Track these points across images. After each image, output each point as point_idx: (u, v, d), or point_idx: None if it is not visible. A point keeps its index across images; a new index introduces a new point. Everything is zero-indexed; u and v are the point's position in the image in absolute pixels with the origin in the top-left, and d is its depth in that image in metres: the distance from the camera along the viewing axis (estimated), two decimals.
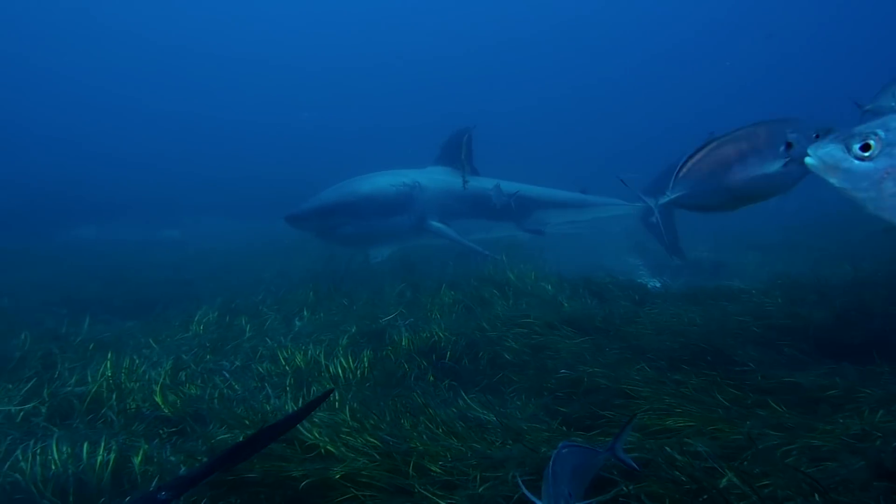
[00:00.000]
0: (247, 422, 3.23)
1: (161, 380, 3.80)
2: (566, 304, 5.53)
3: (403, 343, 4.37)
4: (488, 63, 42.35)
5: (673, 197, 2.56)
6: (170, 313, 5.84)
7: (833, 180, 1.81)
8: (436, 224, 6.82)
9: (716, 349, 4.10)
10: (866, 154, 1.73)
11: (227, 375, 3.89)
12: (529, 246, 8.47)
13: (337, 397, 3.44)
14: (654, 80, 40.76)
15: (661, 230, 7.82)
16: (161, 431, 3.36)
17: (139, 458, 3.03)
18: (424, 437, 3.06)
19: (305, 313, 5.54)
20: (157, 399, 3.56)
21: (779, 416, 3.07)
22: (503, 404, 3.70)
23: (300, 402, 3.56)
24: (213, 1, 42.15)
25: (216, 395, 3.65)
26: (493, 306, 5.49)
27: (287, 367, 4.04)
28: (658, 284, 7.58)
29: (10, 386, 3.83)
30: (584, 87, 40.75)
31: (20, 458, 3.01)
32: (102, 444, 3.06)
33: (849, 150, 1.76)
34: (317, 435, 2.93)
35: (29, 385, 3.80)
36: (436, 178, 7.39)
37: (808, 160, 1.85)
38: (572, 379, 3.83)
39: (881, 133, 1.72)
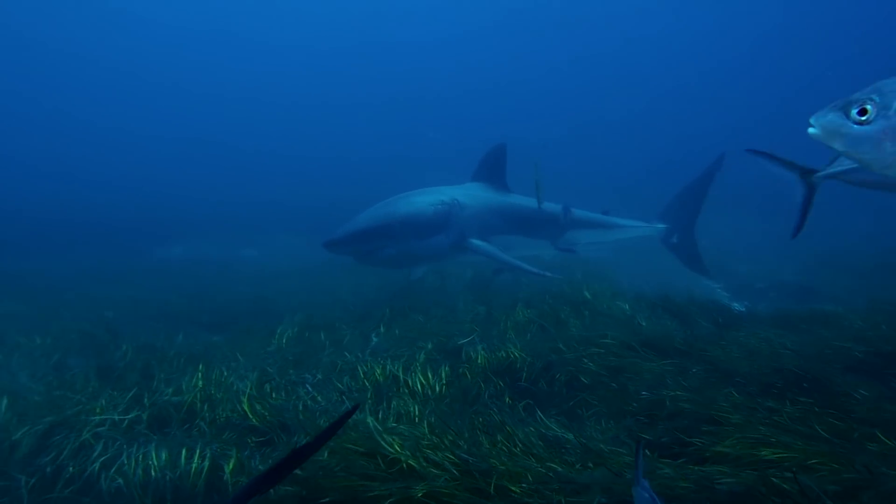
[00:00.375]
0: None
1: (248, 391, 3.98)
2: (644, 324, 5.36)
3: (479, 361, 4.37)
4: (521, 88, 44.04)
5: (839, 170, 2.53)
6: (253, 328, 6.12)
7: (837, 146, 1.95)
8: (476, 242, 6.55)
9: (813, 376, 3.84)
10: (864, 118, 1.86)
11: (309, 388, 4.03)
12: (576, 264, 8.43)
13: (416, 412, 3.48)
14: (669, 111, 41.44)
15: (682, 250, 8.07)
16: (249, 440, 3.51)
17: (230, 466, 3.19)
18: (503, 456, 3.04)
19: (381, 329, 5.66)
20: (245, 408, 3.74)
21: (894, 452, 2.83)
22: (581, 427, 3.62)
23: (379, 415, 3.63)
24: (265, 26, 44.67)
25: (300, 407, 3.78)
26: (568, 326, 5.40)
27: (366, 382, 4.13)
28: (741, 308, 7.20)
29: (116, 393, 4.13)
30: (608, 113, 41.26)
31: (125, 462, 3.23)
32: (198, 452, 3.25)
33: (847, 116, 1.89)
34: (398, 448, 2.97)
35: (131, 393, 4.08)
36: (474, 194, 7.19)
37: (810, 130, 1.97)
38: (654, 402, 3.70)
39: (876, 97, 1.85)
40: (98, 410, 3.78)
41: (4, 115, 38.44)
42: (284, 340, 5.39)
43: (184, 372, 4.63)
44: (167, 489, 3.11)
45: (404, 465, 2.84)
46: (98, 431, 3.54)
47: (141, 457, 3.26)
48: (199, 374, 4.33)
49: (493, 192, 7.44)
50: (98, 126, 41.02)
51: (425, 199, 6.55)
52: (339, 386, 4.19)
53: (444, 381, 4.03)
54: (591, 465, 2.94)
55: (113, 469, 3.22)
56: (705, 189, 7.82)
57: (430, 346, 4.82)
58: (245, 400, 3.84)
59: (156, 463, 3.22)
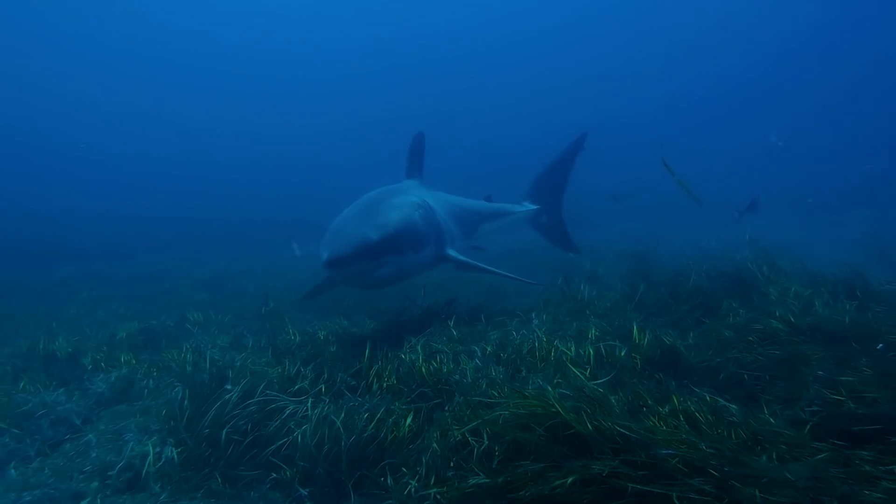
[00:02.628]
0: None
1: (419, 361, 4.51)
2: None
3: (644, 344, 4.50)
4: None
5: None
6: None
7: None
8: (453, 252, 5.88)
9: None
10: None
11: (478, 362, 4.42)
12: None
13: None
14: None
15: (551, 230, 8.15)
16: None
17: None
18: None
19: (545, 316, 5.93)
20: (423, 371, 4.26)
21: None
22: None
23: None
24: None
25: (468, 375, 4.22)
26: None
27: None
28: None
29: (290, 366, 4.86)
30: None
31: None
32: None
33: None
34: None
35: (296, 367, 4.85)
36: (433, 195, 6.55)
37: None
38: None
39: None
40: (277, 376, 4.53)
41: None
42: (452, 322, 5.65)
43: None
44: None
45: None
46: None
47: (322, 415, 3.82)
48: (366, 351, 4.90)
49: (439, 192, 6.95)
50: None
51: (406, 203, 5.60)
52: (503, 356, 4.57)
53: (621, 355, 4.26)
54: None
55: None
56: (569, 168, 7.94)
57: (594, 331, 4.97)
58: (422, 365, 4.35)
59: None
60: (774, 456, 2.78)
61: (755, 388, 3.97)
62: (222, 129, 47.45)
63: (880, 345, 3.95)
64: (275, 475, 3.58)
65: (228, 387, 4.11)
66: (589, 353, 4.29)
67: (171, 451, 3.82)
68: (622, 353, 4.28)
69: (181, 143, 45.39)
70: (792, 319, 4.76)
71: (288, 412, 3.83)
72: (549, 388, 3.33)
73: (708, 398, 3.48)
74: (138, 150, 43.61)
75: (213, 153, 44.29)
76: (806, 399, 3.44)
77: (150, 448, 3.87)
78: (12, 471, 4.10)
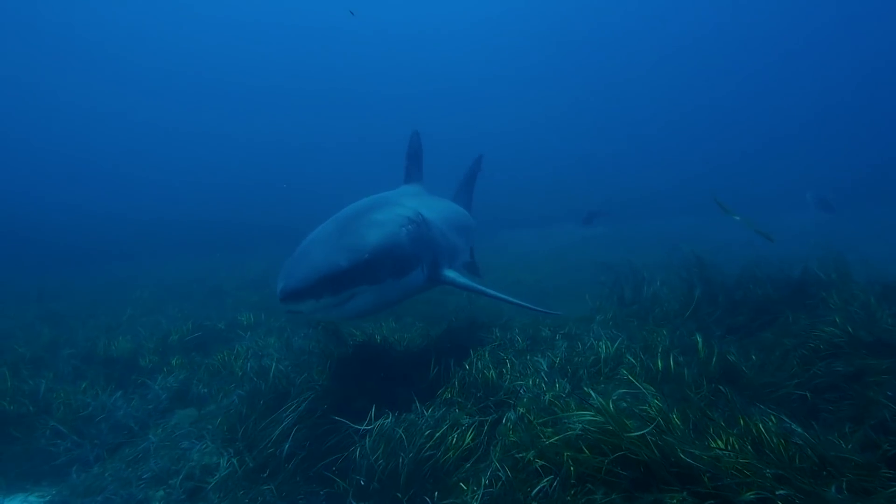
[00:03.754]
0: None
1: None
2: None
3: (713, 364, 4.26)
4: None
5: None
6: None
7: None
8: (451, 273, 4.87)
9: None
10: None
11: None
12: None
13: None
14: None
15: None
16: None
17: None
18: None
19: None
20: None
21: None
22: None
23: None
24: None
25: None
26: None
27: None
28: None
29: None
30: None
31: None
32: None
33: None
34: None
35: None
36: (429, 204, 5.53)
37: None
38: None
39: None
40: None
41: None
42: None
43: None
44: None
45: None
46: None
47: None
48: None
49: (441, 199, 6.24)
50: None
51: (392, 218, 4.58)
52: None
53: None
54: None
55: None
56: (472, 189, 8.22)
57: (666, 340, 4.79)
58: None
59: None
60: (844, 486, 2.60)
61: (819, 406, 3.79)
62: (257, 136, 49.28)
63: None
64: (328, 489, 3.55)
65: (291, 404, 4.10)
66: (658, 366, 4.09)
67: (232, 462, 3.84)
68: (688, 373, 4.06)
69: (224, 148, 47.13)
70: (850, 330, 4.50)
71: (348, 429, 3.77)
72: (619, 405, 3.16)
73: (773, 419, 3.28)
74: (172, 158, 45.96)
75: (247, 157, 45.84)
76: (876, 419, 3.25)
77: (213, 459, 3.89)
78: (74, 475, 4.20)
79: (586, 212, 11.66)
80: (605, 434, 2.83)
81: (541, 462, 2.86)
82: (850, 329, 4.49)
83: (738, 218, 4.49)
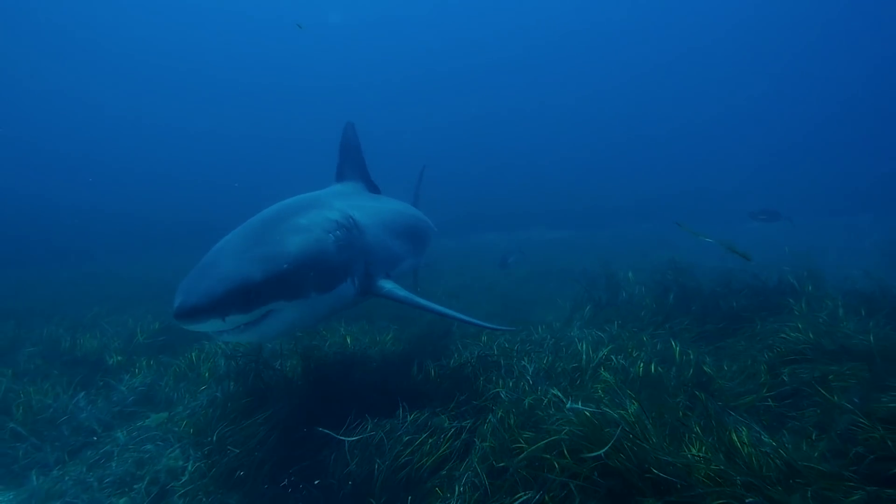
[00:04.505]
0: None
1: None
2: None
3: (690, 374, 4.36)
4: None
5: None
6: None
7: None
8: (387, 285, 4.26)
9: None
10: None
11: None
12: None
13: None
14: None
15: None
16: None
17: None
18: None
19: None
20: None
21: None
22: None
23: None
24: None
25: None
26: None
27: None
28: None
29: None
30: None
31: None
32: None
33: None
34: None
35: None
36: (363, 205, 4.88)
37: None
38: None
39: None
40: None
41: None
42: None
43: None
44: None
45: None
46: None
47: None
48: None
49: (381, 199, 5.62)
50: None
51: (317, 222, 3.95)
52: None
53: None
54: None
55: None
56: (418, 196, 8.95)
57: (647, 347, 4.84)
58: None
59: None
60: (809, 494, 2.65)
61: (784, 412, 3.87)
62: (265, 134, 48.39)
63: None
64: (300, 494, 3.48)
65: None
66: (639, 370, 4.12)
67: (199, 466, 3.73)
68: (666, 379, 4.11)
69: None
70: (811, 336, 4.68)
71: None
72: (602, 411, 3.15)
73: (745, 429, 3.34)
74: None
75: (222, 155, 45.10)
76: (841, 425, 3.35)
77: (179, 463, 3.78)
78: (34, 479, 4.05)
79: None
80: (585, 440, 2.84)
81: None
82: (812, 336, 4.70)
83: (709, 240, 4.46)
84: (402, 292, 4.17)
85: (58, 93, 46.49)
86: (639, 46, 46.88)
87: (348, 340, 5.47)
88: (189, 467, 3.80)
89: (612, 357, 4.35)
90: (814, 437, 3.49)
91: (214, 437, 3.89)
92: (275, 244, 3.49)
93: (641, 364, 4.13)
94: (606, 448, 2.74)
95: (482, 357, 4.49)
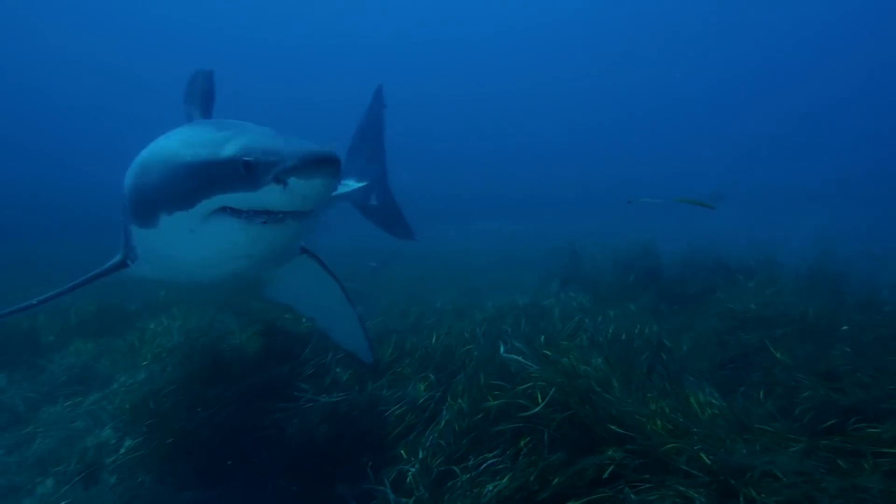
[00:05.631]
0: None
1: None
2: None
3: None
4: None
5: None
6: None
7: None
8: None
9: None
10: None
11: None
12: None
13: None
14: None
15: (383, 212, 6.29)
16: None
17: None
18: None
19: None
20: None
21: None
22: None
23: None
24: None
25: None
26: None
27: None
28: None
29: None
30: None
31: None
32: None
33: None
34: None
35: None
36: None
37: None
38: None
39: None
40: None
41: None
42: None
43: None
44: None
45: None
46: None
47: None
48: None
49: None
50: None
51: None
52: None
53: None
54: None
55: None
56: (382, 131, 6.29)
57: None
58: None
59: None
60: (758, 447, 2.73)
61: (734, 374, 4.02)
62: None
63: None
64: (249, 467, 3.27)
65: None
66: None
67: (137, 442, 3.45)
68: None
69: None
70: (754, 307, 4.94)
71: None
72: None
73: (702, 391, 3.46)
74: None
75: None
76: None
77: (111, 440, 3.51)
78: None
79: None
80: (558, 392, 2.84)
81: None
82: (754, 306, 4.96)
83: (660, 201, 4.43)
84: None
85: None
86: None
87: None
88: (127, 443, 3.52)
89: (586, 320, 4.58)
90: (762, 396, 3.59)
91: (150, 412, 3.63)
92: None
93: (612, 326, 4.32)
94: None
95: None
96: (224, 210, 2.34)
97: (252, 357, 4.13)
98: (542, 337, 4.04)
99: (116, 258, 3.10)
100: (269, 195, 2.27)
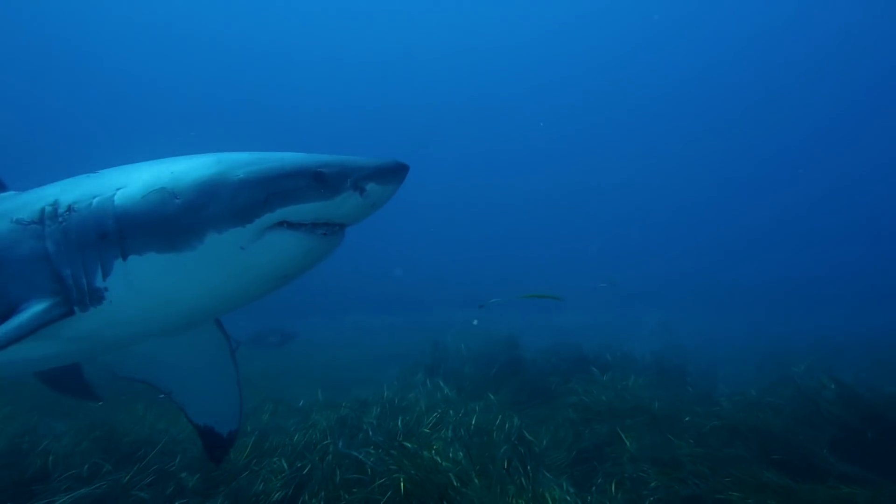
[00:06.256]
0: None
1: None
2: None
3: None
4: None
5: None
6: None
7: None
8: None
9: None
10: None
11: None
12: None
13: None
14: None
15: None
16: None
17: None
18: None
19: None
20: None
21: None
22: None
23: None
24: None
25: None
26: None
27: None
28: None
29: None
30: None
31: None
32: None
33: None
34: None
35: None
36: None
37: None
38: None
39: None
40: None
41: None
42: None
43: None
44: None
45: None
46: None
47: None
48: None
49: None
50: None
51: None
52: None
53: None
54: None
55: None
56: None
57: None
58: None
59: None
60: None
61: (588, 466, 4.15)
62: None
63: None
64: None
65: None
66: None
67: None
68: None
69: None
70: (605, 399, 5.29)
71: None
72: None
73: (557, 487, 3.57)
74: None
75: None
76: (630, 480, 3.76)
77: None
78: None
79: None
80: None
81: None
82: (605, 398, 5.33)
83: (511, 299, 4.44)
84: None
85: None
86: None
87: None
88: None
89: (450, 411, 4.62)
90: (613, 489, 3.72)
91: None
92: None
93: (474, 418, 4.38)
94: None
95: None
96: (281, 224, 2.19)
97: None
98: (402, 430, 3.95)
99: (41, 305, 2.13)
100: (345, 203, 2.23)
